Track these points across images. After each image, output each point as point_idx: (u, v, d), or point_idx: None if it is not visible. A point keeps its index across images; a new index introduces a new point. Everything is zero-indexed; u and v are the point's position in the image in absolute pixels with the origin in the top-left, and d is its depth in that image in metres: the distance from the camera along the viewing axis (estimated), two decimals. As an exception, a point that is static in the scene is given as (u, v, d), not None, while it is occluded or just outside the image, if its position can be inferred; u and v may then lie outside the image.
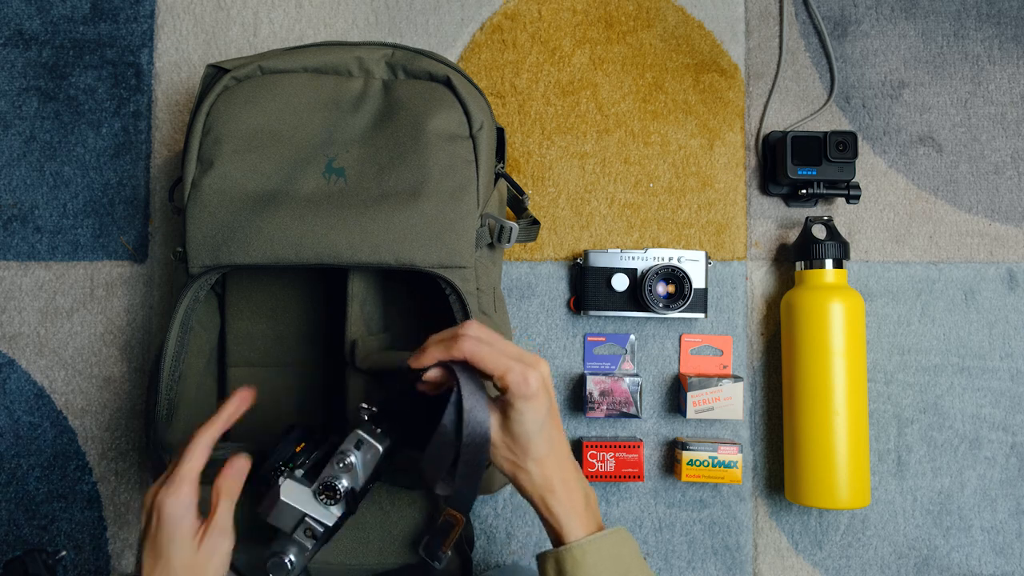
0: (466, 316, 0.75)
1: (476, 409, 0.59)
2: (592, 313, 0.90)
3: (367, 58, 0.77)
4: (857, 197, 0.90)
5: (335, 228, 0.71)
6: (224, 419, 0.65)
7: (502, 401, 0.60)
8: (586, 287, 0.90)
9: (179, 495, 0.60)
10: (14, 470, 0.91)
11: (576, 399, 0.92)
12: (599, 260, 0.90)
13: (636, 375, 0.90)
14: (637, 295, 0.89)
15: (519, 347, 0.62)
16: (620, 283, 0.89)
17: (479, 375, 0.60)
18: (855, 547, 0.91)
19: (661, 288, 0.88)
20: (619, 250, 0.89)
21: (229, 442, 0.84)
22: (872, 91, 0.96)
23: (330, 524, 0.64)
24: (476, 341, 0.59)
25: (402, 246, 0.71)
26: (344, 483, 0.64)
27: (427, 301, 0.87)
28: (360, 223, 0.71)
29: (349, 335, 0.78)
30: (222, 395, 0.86)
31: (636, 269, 0.89)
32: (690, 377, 0.89)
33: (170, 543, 0.60)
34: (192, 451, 0.62)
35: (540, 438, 0.61)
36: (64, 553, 0.89)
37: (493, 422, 0.61)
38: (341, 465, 0.63)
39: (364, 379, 0.79)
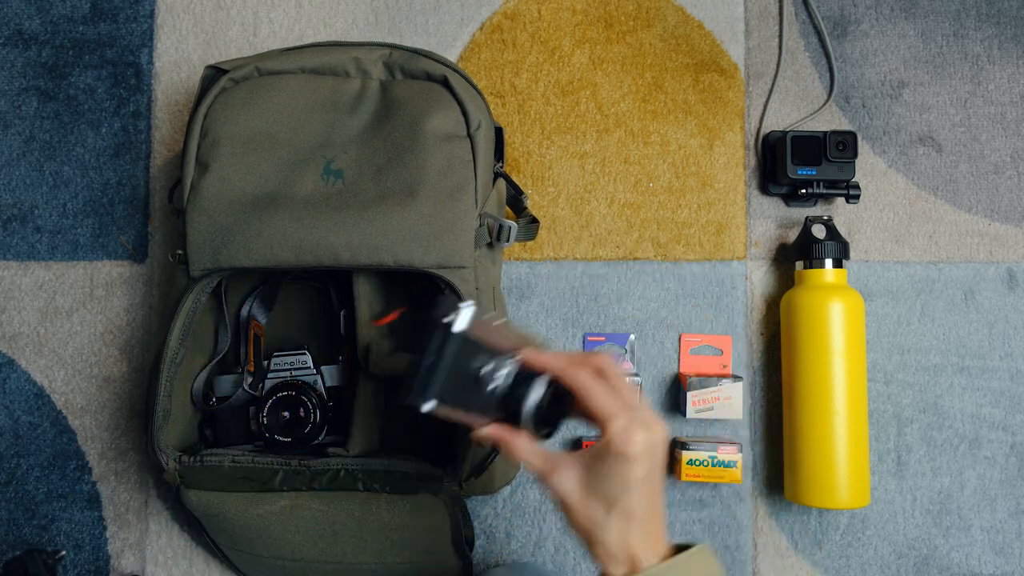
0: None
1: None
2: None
3: (364, 59, 0.77)
4: (857, 197, 0.90)
5: (333, 230, 0.71)
6: None
7: (592, 451, 0.54)
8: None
9: None
10: (14, 470, 0.91)
11: (576, 399, 0.92)
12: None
13: (636, 375, 0.90)
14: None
15: (643, 401, 0.55)
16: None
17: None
18: (855, 547, 0.91)
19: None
20: None
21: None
22: (872, 91, 0.96)
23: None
24: (596, 372, 0.54)
25: (401, 247, 0.71)
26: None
27: (431, 304, 0.86)
28: (358, 225, 0.71)
29: (362, 339, 0.78)
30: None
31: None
32: (690, 377, 0.89)
33: None
34: None
35: (627, 498, 0.53)
36: (64, 553, 0.89)
37: (572, 477, 0.54)
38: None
39: (374, 384, 0.79)
